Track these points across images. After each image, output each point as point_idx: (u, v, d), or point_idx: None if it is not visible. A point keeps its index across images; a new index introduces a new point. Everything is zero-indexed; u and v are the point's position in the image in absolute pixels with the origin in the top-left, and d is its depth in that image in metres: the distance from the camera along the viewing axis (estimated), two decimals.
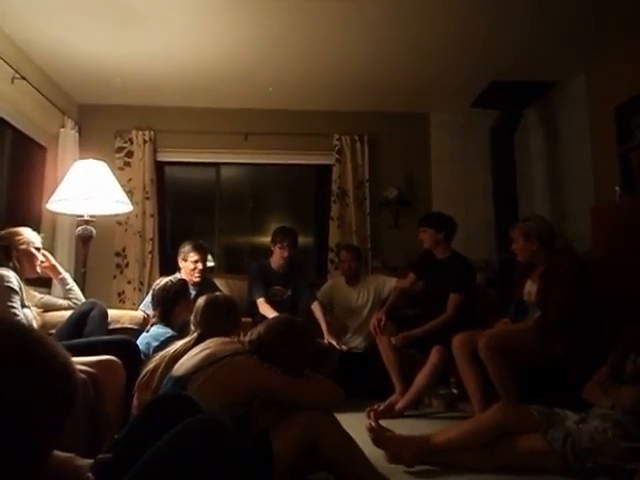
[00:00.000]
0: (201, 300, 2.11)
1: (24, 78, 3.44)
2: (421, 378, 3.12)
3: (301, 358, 1.80)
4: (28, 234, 2.55)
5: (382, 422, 2.29)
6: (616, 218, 3.24)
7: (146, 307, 3.22)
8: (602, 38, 3.48)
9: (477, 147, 4.76)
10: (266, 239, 3.93)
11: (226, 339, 1.84)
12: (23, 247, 2.48)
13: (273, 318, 1.97)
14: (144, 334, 2.69)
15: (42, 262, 2.60)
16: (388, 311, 3.41)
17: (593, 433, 1.98)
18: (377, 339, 3.35)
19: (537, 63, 3.89)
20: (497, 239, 4.41)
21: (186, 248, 3.52)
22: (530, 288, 2.96)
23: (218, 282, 3.82)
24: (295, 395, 1.68)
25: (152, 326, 2.76)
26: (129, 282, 4.40)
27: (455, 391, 3.41)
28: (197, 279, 3.49)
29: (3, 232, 2.52)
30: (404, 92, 4.43)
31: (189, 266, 3.50)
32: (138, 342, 2.57)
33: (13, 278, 2.30)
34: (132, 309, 3.82)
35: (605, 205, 3.51)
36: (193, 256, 3.49)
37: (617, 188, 3.34)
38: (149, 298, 3.31)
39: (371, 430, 2.18)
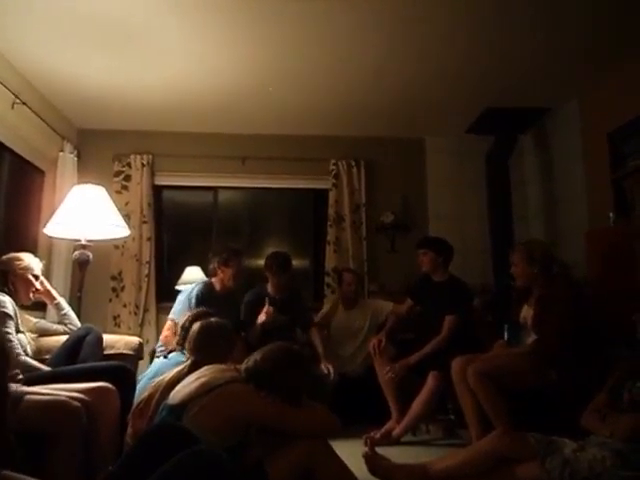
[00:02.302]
0: (195, 326, 2.10)
1: (24, 103, 3.48)
2: (418, 404, 3.09)
3: (298, 385, 1.79)
4: (28, 260, 2.56)
5: (379, 449, 2.27)
6: (611, 243, 3.25)
7: (176, 314, 3.23)
8: (595, 65, 3.55)
9: (472, 172, 4.81)
10: (263, 262, 3.91)
11: (222, 366, 1.82)
12: (21, 273, 2.48)
13: (270, 345, 1.96)
14: (162, 359, 2.65)
15: (37, 290, 2.59)
16: (387, 334, 3.40)
17: (591, 461, 1.96)
18: (375, 361, 3.33)
19: (531, 89, 3.96)
20: (494, 263, 4.43)
21: (224, 254, 3.46)
22: (526, 312, 2.97)
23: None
24: (291, 424, 1.66)
25: (170, 353, 2.70)
26: (125, 306, 4.38)
27: (453, 417, 3.38)
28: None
29: (5, 256, 2.53)
30: (400, 118, 4.50)
31: (229, 272, 3.45)
32: (156, 368, 2.52)
33: (8, 303, 2.29)
34: (127, 333, 3.81)
35: (600, 230, 3.53)
36: (234, 264, 3.46)
37: (611, 214, 3.37)
38: (178, 305, 3.30)
39: (367, 458, 2.15)
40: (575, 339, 2.63)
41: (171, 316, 3.36)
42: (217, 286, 3.48)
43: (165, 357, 2.72)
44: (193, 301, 3.29)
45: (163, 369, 2.51)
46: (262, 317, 3.37)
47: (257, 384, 1.68)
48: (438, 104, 4.21)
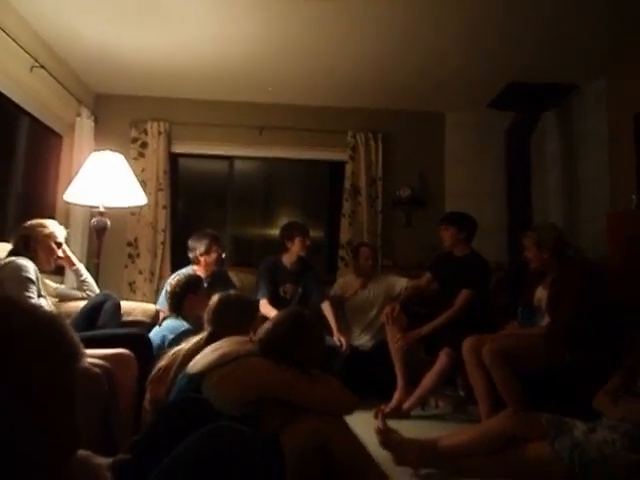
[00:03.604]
0: (214, 298, 2.12)
1: (43, 67, 3.46)
2: (428, 380, 3.12)
3: (313, 349, 1.79)
4: (52, 227, 2.58)
5: (389, 423, 2.31)
6: (633, 225, 3.21)
7: (161, 305, 3.24)
8: (627, 43, 3.43)
9: (492, 148, 4.73)
10: (277, 232, 3.93)
11: (240, 338, 1.84)
12: (44, 239, 2.51)
13: (280, 312, 1.96)
14: (157, 328, 2.73)
15: (58, 257, 2.62)
16: (402, 303, 3.42)
17: (601, 444, 1.98)
18: (387, 329, 3.35)
19: (556, 65, 3.84)
20: (509, 242, 4.40)
21: (205, 241, 3.50)
22: (541, 294, 2.96)
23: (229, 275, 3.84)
24: (309, 399, 1.68)
25: (164, 320, 2.80)
26: (140, 272, 4.43)
27: (462, 393, 3.42)
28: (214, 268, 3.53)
29: (29, 222, 2.55)
30: (420, 91, 4.41)
31: (211, 258, 3.50)
32: (152, 335, 2.60)
33: (31, 268, 2.32)
34: (143, 300, 3.87)
35: (622, 212, 3.47)
36: (216, 249, 3.51)
37: (634, 197, 3.31)
38: (163, 295, 3.34)
39: (378, 432, 2.19)
40: (591, 322, 2.62)
41: (158, 306, 3.27)
42: (202, 274, 3.42)
43: (159, 325, 2.79)
44: None
45: (156, 333, 2.65)
46: None
47: (275, 356, 1.70)
48: (459, 76, 4.09)
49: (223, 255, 3.73)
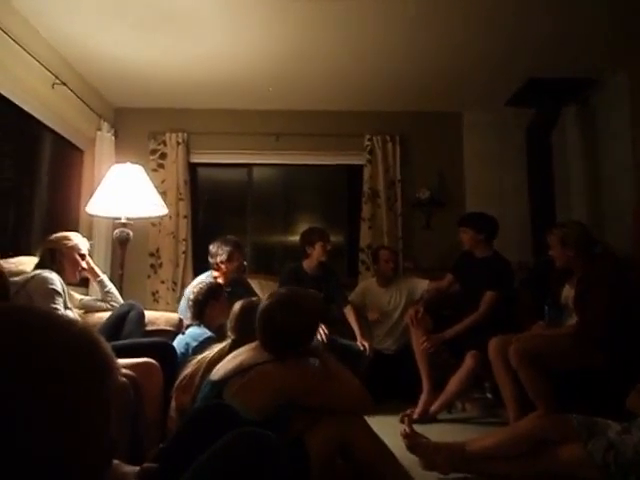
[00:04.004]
0: (237, 305, 2.13)
1: (64, 83, 3.53)
2: (455, 382, 3.08)
3: (298, 322, 1.77)
4: (77, 240, 2.63)
5: (415, 427, 2.28)
6: None
7: (181, 313, 3.26)
8: None
9: (511, 146, 4.67)
10: (297, 239, 3.93)
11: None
12: (68, 251, 2.56)
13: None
14: (180, 336, 2.75)
15: (83, 269, 2.66)
16: (426, 305, 3.38)
17: (637, 445, 1.92)
18: (412, 332, 3.30)
19: (578, 59, 3.77)
20: (533, 240, 4.33)
21: (227, 249, 3.46)
22: (568, 292, 2.90)
23: (250, 282, 3.85)
24: (327, 400, 1.69)
25: (187, 328, 2.82)
26: (163, 282, 4.48)
27: (490, 396, 3.37)
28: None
29: (54, 235, 2.61)
30: (436, 91, 4.38)
31: (233, 266, 3.49)
32: (176, 343, 2.62)
33: (57, 280, 2.36)
34: (166, 309, 3.91)
35: None
36: (238, 257, 3.51)
37: None
38: (183, 303, 3.36)
39: (405, 436, 2.16)
40: (622, 319, 2.56)
41: (179, 315, 3.23)
42: (221, 280, 3.42)
43: (182, 333, 2.82)
44: None
45: (179, 341, 2.69)
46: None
47: (280, 352, 1.72)
48: (475, 75, 4.06)
49: (245, 263, 3.73)
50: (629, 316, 2.58)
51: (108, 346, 0.60)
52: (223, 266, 3.47)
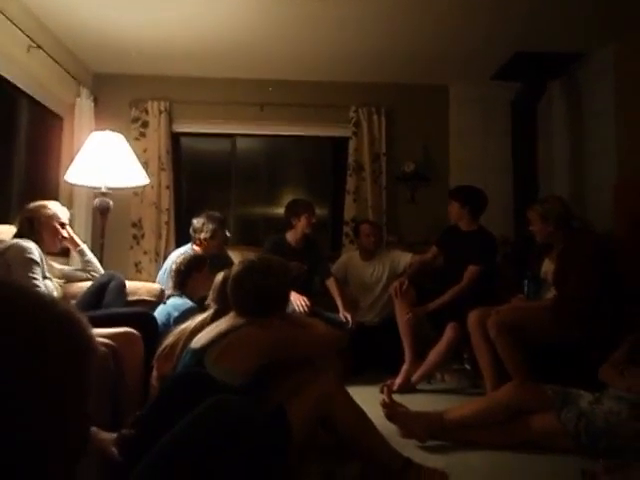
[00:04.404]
0: (219, 276, 2.12)
1: (40, 47, 3.41)
2: (435, 354, 3.13)
3: (269, 286, 1.82)
4: (55, 208, 2.58)
5: (395, 397, 2.32)
6: None
7: (161, 282, 3.24)
8: (636, 8, 3.33)
9: (497, 121, 4.67)
10: (281, 211, 3.91)
11: None
12: (47, 220, 2.51)
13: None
14: (161, 305, 2.74)
15: (63, 238, 2.62)
16: (410, 277, 3.41)
17: (607, 414, 1.99)
18: (396, 303, 3.34)
19: (564, 33, 3.74)
20: (515, 215, 4.36)
21: (211, 226, 3.45)
22: (548, 267, 2.95)
23: (233, 254, 3.84)
24: (305, 347, 1.80)
25: (169, 298, 2.81)
26: (145, 253, 4.44)
27: (468, 367, 3.43)
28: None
29: (32, 204, 2.55)
30: (422, 63, 4.33)
31: (215, 242, 3.48)
32: (157, 313, 2.62)
33: (34, 249, 2.32)
34: (149, 280, 3.88)
35: (630, 182, 3.42)
36: (221, 235, 3.50)
37: None
38: (162, 274, 3.35)
39: (384, 405, 2.21)
40: (598, 293, 2.60)
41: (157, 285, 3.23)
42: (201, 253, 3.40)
43: (164, 303, 2.82)
44: None
45: (161, 311, 2.70)
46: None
47: (252, 314, 1.76)
48: (462, 47, 4.00)
49: (228, 234, 3.71)
50: (606, 290, 2.63)
51: (90, 327, 0.59)
52: (206, 243, 3.46)
